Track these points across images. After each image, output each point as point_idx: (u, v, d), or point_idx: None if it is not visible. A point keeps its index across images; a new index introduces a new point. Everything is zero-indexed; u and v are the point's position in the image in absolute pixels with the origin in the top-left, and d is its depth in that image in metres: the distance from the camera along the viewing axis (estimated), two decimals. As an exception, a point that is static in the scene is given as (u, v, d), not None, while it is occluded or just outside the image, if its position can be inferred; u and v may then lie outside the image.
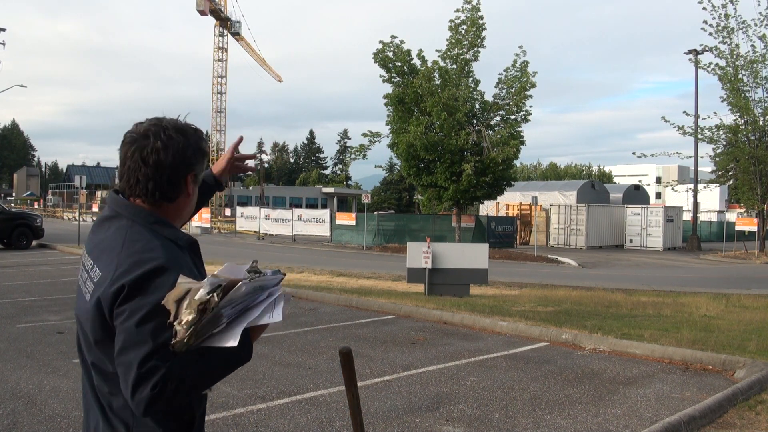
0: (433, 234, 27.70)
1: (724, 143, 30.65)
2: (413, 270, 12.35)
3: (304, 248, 29.35)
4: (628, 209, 36.70)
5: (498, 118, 26.60)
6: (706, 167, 40.12)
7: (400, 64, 25.35)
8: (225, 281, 1.51)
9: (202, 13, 62.94)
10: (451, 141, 24.78)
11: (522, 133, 26.24)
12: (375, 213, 36.02)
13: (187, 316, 1.46)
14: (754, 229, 31.41)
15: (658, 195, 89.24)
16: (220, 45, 66.33)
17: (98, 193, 74.38)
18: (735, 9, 27.82)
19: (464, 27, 25.24)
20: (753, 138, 29.82)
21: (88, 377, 1.70)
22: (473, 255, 12.62)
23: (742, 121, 29.62)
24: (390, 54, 25.22)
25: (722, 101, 29.85)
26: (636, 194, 45.54)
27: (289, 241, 33.00)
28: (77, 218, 32.98)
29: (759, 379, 6.10)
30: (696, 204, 36.72)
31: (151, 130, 1.70)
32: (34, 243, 23.29)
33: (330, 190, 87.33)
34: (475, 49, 25.55)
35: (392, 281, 15.38)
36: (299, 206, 67.10)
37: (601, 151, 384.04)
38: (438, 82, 25.06)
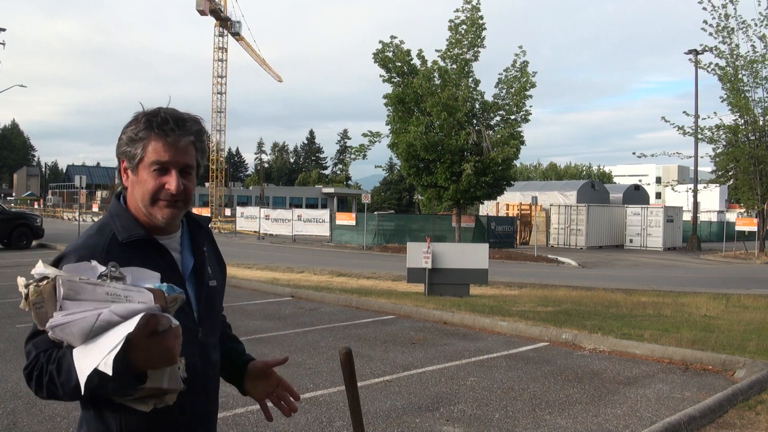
0: (433, 234, 27.69)
1: (724, 143, 30.64)
2: (413, 270, 12.35)
3: (304, 248, 29.35)
4: (628, 209, 36.71)
5: (498, 118, 26.61)
6: (706, 167, 40.09)
7: (400, 64, 25.35)
8: (53, 274, 1.40)
9: (202, 13, 62.87)
10: (451, 141, 24.78)
11: (522, 133, 26.26)
12: (375, 213, 36.04)
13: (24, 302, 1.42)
14: (754, 229, 31.41)
15: (658, 195, 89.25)
16: (220, 45, 66.30)
17: (98, 193, 74.44)
18: (735, 9, 27.85)
19: (464, 27, 25.24)
20: (753, 138, 29.81)
21: None
22: (473, 255, 12.62)
23: (742, 121, 29.61)
24: (390, 54, 25.22)
25: (722, 101, 29.88)
26: (636, 194, 45.55)
27: (289, 241, 33.00)
28: (77, 218, 32.98)
29: (759, 379, 6.10)
30: (696, 204, 36.72)
31: None
32: (34, 243, 23.29)
33: (330, 190, 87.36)
34: (475, 49, 25.55)
35: (392, 281, 15.37)
36: (299, 206, 67.16)
37: (601, 151, 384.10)
38: (438, 82, 25.07)
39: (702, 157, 34.86)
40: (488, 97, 26.43)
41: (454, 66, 25.55)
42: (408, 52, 25.34)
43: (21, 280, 1.42)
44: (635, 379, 6.44)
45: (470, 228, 30.01)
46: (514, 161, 27.30)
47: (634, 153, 66.83)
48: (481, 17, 25.22)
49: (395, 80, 25.70)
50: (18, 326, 8.52)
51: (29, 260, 18.39)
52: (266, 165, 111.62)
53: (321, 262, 21.20)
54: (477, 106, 26.54)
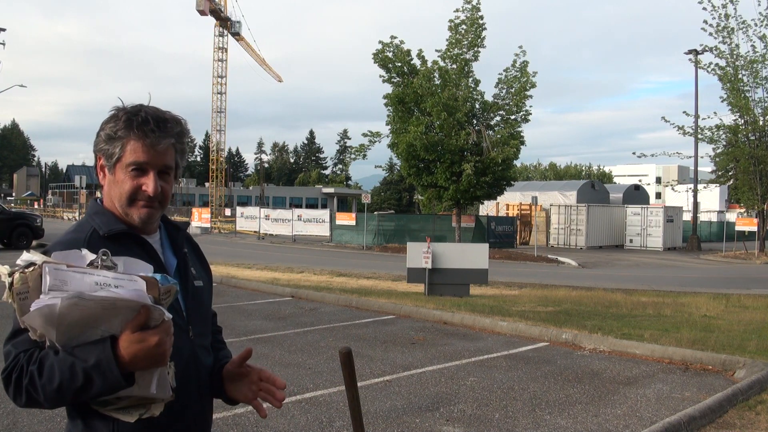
0: (433, 234, 27.69)
1: (724, 143, 30.64)
2: (413, 270, 12.35)
3: (304, 248, 29.35)
4: (628, 209, 36.70)
5: (498, 118, 26.61)
6: (706, 167, 40.12)
7: (399, 64, 25.35)
8: (40, 260, 1.32)
9: (202, 13, 62.91)
10: (451, 141, 24.79)
11: (522, 133, 26.26)
12: (375, 213, 36.03)
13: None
14: (754, 229, 31.40)
15: (658, 195, 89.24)
16: (220, 45, 66.32)
17: (98, 193, 74.33)
18: (735, 9, 27.84)
19: (464, 27, 25.24)
20: (753, 138, 29.81)
21: None
22: (473, 255, 12.62)
23: (742, 121, 29.61)
24: (390, 54, 25.22)
25: (722, 101, 29.88)
26: (636, 194, 45.54)
27: (289, 241, 33.00)
28: (77, 218, 32.99)
29: (759, 379, 6.10)
30: (696, 204, 36.71)
31: None
32: (34, 243, 23.27)
33: (330, 190, 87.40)
34: (475, 49, 25.55)
35: (392, 281, 15.37)
36: (299, 206, 67.18)
37: (601, 151, 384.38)
38: (438, 82, 25.07)
39: (702, 157, 34.91)
40: (488, 97, 26.45)
41: (454, 66, 25.55)
42: (408, 52, 25.34)
43: (4, 269, 1.32)
44: (635, 379, 6.44)
45: (470, 228, 30.01)
46: (514, 161, 27.31)
47: (634, 153, 66.91)
48: (481, 17, 25.23)
49: (395, 80, 25.70)
50: (18, 326, 8.51)
51: (29, 260, 18.43)
52: (266, 165, 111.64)
53: (321, 262, 21.20)
54: (477, 106, 26.54)
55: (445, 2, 29.54)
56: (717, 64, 28.99)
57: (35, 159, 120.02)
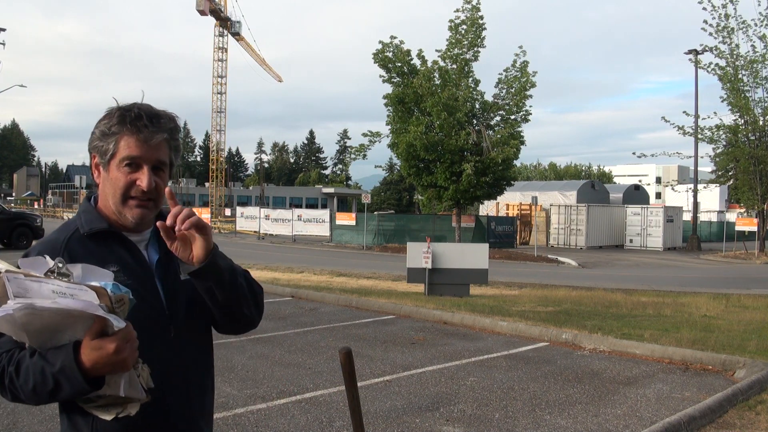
0: (433, 234, 27.70)
1: (724, 143, 30.64)
2: (413, 270, 12.35)
3: (304, 248, 29.35)
4: (628, 209, 36.71)
5: (498, 118, 26.60)
6: (706, 167, 40.11)
7: (400, 64, 25.34)
8: (3, 269, 1.34)
9: (202, 13, 62.92)
10: (451, 141, 24.79)
11: (522, 133, 26.25)
12: (375, 213, 36.04)
13: None
14: (754, 229, 31.40)
15: (658, 195, 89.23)
16: (220, 45, 66.34)
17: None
18: (735, 9, 27.84)
19: (464, 27, 25.24)
20: (753, 138, 29.81)
21: None
22: (473, 255, 12.62)
23: (742, 121, 29.61)
24: (390, 54, 25.21)
25: (722, 101, 29.88)
26: (636, 194, 45.55)
27: (289, 241, 33.00)
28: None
29: (759, 379, 6.10)
30: (696, 204, 36.71)
31: None
32: (34, 243, 23.24)
33: (330, 190, 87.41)
34: (475, 49, 25.54)
35: (392, 281, 15.38)
36: (299, 206, 67.17)
37: (601, 151, 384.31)
38: (438, 82, 25.06)
39: (702, 157, 34.91)
40: (488, 97, 26.44)
41: (454, 66, 25.54)
42: (408, 52, 25.34)
43: None
44: (635, 379, 6.44)
45: (470, 228, 30.01)
46: (514, 161, 27.30)
47: (634, 153, 66.88)
48: (481, 17, 25.22)
49: (395, 80, 25.69)
50: (18, 326, 8.51)
51: (29, 260, 18.43)
52: (266, 165, 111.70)
53: (321, 262, 21.21)
54: (477, 106, 26.54)
55: (445, 2, 29.58)
56: (717, 64, 29.02)
57: (35, 159, 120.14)
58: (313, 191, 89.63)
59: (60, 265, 1.37)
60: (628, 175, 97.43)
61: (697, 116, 31.77)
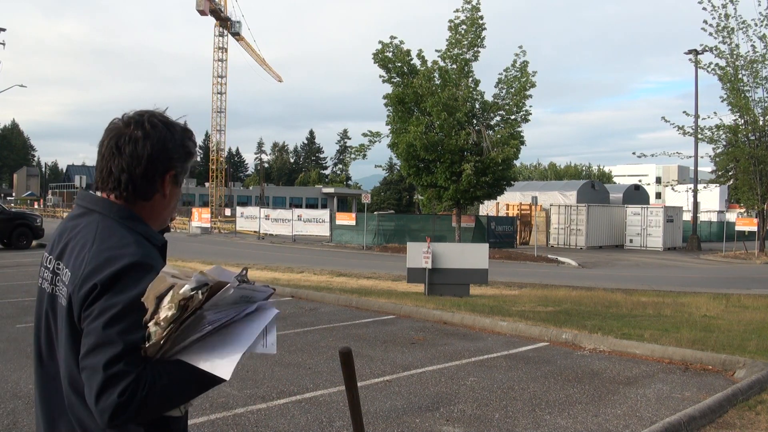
0: (433, 234, 27.70)
1: (724, 143, 30.65)
2: (413, 270, 12.34)
3: (304, 248, 29.35)
4: (628, 209, 36.71)
5: (498, 118, 26.62)
6: (706, 167, 40.13)
7: (399, 64, 25.35)
8: (212, 281, 1.37)
9: (202, 13, 62.91)
10: (451, 141, 24.79)
11: (522, 133, 26.28)
12: (375, 213, 36.03)
13: (166, 311, 1.32)
14: (754, 229, 31.40)
15: (658, 195, 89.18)
16: (220, 45, 66.32)
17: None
18: (735, 9, 27.86)
19: (464, 27, 25.25)
20: (753, 138, 29.81)
21: (49, 390, 1.57)
22: (473, 255, 12.62)
23: (742, 121, 29.61)
24: (390, 54, 25.22)
25: (722, 101, 29.89)
26: (636, 194, 45.54)
27: (289, 241, 32.99)
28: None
29: (759, 379, 6.10)
30: (696, 204, 36.71)
31: (134, 118, 1.58)
32: (34, 243, 23.27)
33: (330, 190, 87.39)
34: (475, 49, 25.56)
35: (392, 281, 15.37)
36: (299, 206, 67.18)
37: (601, 151, 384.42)
38: (438, 82, 25.08)
39: (702, 157, 34.92)
40: (488, 97, 26.46)
41: (454, 66, 25.56)
42: (408, 52, 25.35)
43: (186, 287, 1.33)
44: (635, 379, 6.44)
45: (470, 228, 30.01)
46: (514, 161, 27.32)
47: (634, 153, 66.99)
48: (481, 17, 25.24)
49: (395, 80, 25.70)
50: (18, 326, 8.51)
51: (29, 260, 18.39)
52: (266, 165, 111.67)
53: (321, 262, 21.20)
54: (477, 106, 26.55)
55: (445, 2, 29.57)
56: (717, 64, 29.03)
57: (35, 159, 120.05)
58: (313, 191, 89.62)
59: (244, 272, 1.49)
60: (628, 175, 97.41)
61: (697, 116, 31.80)
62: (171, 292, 1.33)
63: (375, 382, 6.14)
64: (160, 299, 1.34)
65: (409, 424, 4.98)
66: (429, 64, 25.36)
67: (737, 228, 34.96)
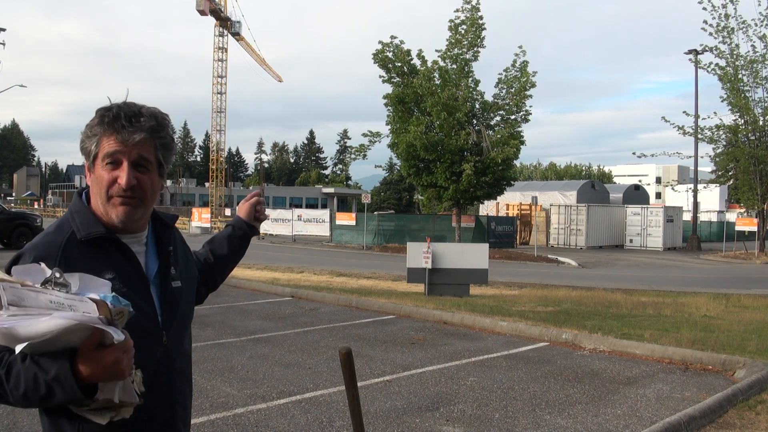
0: (433, 234, 27.69)
1: (724, 143, 30.64)
2: (413, 270, 12.35)
3: (304, 248, 29.35)
4: (628, 209, 36.70)
5: (498, 118, 26.62)
6: (706, 167, 40.15)
7: (399, 64, 25.35)
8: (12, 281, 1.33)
9: (202, 13, 62.95)
10: (451, 141, 24.79)
11: (522, 133, 26.26)
12: (375, 213, 36.04)
13: None
14: (754, 229, 31.39)
15: (658, 195, 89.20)
16: (220, 45, 66.36)
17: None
18: (735, 9, 27.84)
19: (464, 27, 25.24)
20: (753, 138, 29.80)
21: None
22: (473, 255, 12.62)
23: (742, 121, 29.60)
24: (390, 54, 25.22)
25: (722, 101, 29.87)
26: (636, 194, 45.55)
27: (289, 241, 33.00)
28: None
29: (759, 379, 6.10)
30: (696, 204, 36.71)
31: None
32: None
33: (330, 190, 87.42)
34: (475, 49, 25.55)
35: (392, 281, 15.37)
36: (299, 206, 67.15)
37: (601, 151, 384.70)
38: (438, 82, 25.07)
39: (702, 157, 34.91)
40: (488, 97, 26.45)
41: (454, 66, 25.55)
42: (408, 52, 25.34)
43: None
44: (635, 379, 6.44)
45: (470, 228, 30.01)
46: (514, 161, 27.31)
47: (634, 153, 66.92)
48: (481, 17, 25.23)
49: (395, 80, 25.70)
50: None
51: (29, 260, 18.43)
52: (266, 165, 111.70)
53: (321, 262, 21.20)
54: (477, 106, 26.55)
55: (445, 2, 29.57)
56: (717, 64, 29.01)
57: (35, 159, 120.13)
58: (313, 191, 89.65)
59: (57, 275, 1.36)
60: (628, 175, 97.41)
61: (697, 116, 31.78)
62: None
63: (375, 382, 6.14)
64: None
65: (409, 424, 4.98)
66: (429, 64, 25.36)
67: (737, 228, 34.96)
